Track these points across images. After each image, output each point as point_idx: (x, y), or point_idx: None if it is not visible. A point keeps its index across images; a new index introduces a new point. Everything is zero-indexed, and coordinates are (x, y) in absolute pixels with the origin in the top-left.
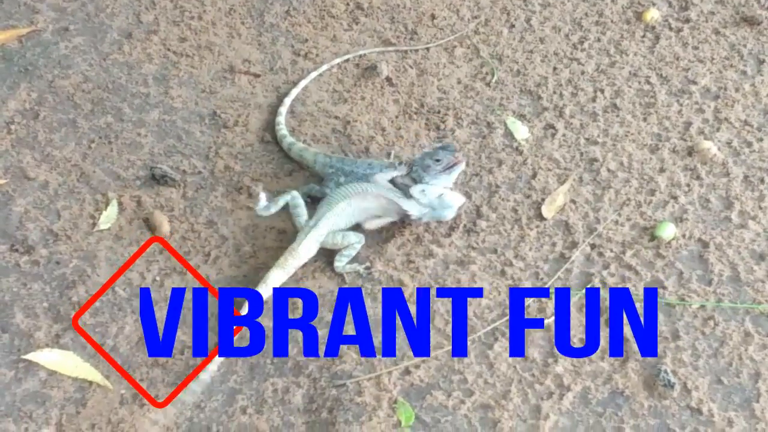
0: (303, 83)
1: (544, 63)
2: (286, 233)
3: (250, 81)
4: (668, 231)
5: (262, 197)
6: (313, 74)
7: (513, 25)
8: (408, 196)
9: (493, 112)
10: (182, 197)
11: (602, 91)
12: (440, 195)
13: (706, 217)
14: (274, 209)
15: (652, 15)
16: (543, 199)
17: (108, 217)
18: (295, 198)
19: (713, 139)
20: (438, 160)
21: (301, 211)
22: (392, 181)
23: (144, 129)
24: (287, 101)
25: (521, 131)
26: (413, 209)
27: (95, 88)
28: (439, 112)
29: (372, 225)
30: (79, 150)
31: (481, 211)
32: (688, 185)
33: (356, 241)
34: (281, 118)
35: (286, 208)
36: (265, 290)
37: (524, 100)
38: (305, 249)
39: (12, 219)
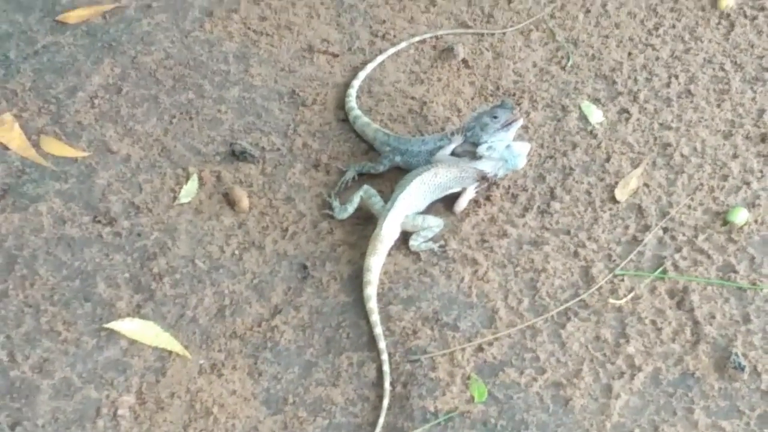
0: (380, 59)
1: (619, 48)
2: (361, 210)
3: (329, 60)
4: (741, 216)
5: (336, 203)
6: (390, 51)
7: (589, 10)
8: (476, 158)
9: (568, 96)
10: (261, 173)
11: (676, 77)
12: (507, 146)
13: None
14: (351, 209)
15: (728, 2)
16: (616, 183)
17: (188, 192)
18: (367, 191)
19: None
20: (495, 117)
21: (377, 200)
22: (453, 153)
23: (224, 106)
24: (361, 75)
25: (596, 115)
26: (487, 167)
27: (177, 64)
28: (514, 94)
29: (460, 206)
30: (161, 125)
31: (555, 192)
32: (761, 171)
33: (436, 224)
34: (352, 91)
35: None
36: (372, 281)
37: (599, 84)
38: (387, 232)
39: (95, 191)
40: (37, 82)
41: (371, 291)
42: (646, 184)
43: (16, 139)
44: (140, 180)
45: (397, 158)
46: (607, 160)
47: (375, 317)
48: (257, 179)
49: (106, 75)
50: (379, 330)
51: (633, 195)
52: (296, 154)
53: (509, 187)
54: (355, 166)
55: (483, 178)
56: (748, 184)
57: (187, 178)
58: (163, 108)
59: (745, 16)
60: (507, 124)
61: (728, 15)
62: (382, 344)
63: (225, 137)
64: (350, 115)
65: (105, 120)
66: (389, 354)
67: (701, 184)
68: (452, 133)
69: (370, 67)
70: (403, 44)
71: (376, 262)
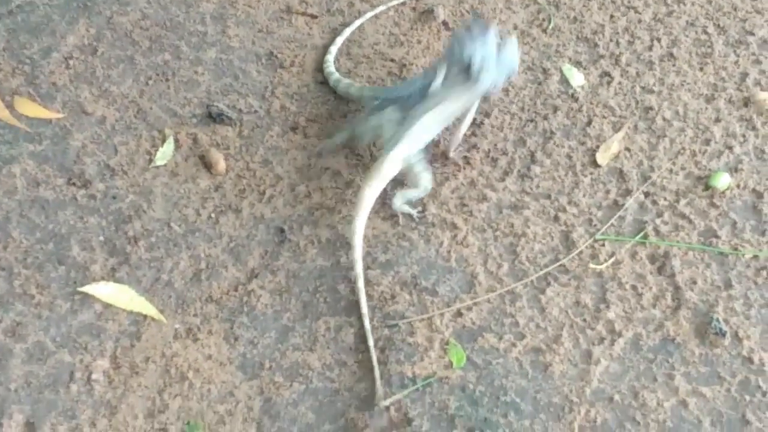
0: (357, 23)
1: (601, 11)
2: (341, 174)
3: (307, 22)
4: (723, 181)
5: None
6: (368, 14)
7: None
8: (472, 77)
9: (549, 59)
10: (238, 136)
11: (659, 40)
12: (498, 52)
13: (761, 167)
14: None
15: None
16: (598, 147)
17: (164, 154)
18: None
19: None
20: (469, 30)
21: (390, 127)
22: (446, 83)
23: (201, 67)
24: (338, 41)
25: (577, 78)
26: (486, 80)
27: (153, 25)
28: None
29: (453, 144)
30: (137, 87)
31: (535, 156)
32: (744, 136)
33: (425, 185)
34: (330, 57)
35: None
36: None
37: (580, 47)
38: (390, 166)
39: (69, 153)
40: (11, 43)
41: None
42: (627, 148)
43: None
44: (115, 142)
45: (390, 108)
46: (589, 123)
47: (360, 282)
48: (234, 142)
49: (81, 35)
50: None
51: (614, 159)
52: (274, 117)
53: (489, 150)
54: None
55: (490, 94)
56: (730, 148)
57: (163, 141)
58: (139, 69)
59: None
60: (484, 33)
61: None
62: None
63: (202, 99)
64: (330, 79)
65: (80, 81)
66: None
67: (683, 149)
68: (435, 65)
69: (347, 31)
70: (381, 8)
71: (372, 195)
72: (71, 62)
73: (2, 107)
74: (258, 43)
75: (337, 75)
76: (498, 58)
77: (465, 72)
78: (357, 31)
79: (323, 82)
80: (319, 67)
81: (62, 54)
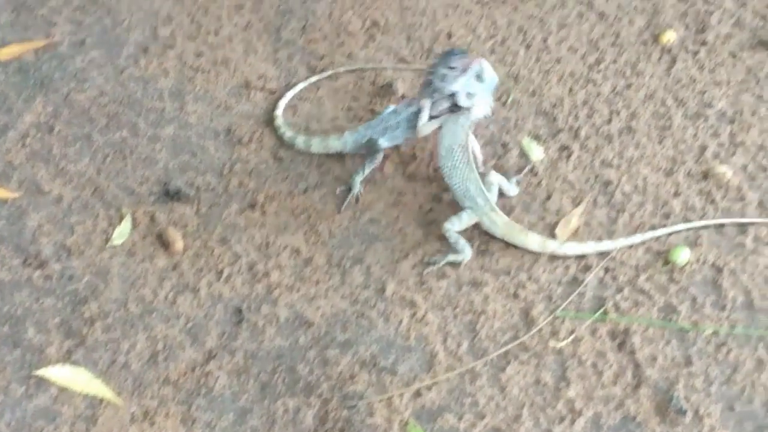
0: (300, 86)
1: (560, 84)
2: (300, 252)
3: (266, 97)
4: (682, 255)
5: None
6: (312, 79)
7: (529, 45)
8: (457, 108)
9: (509, 133)
10: (196, 214)
11: (618, 113)
12: (475, 75)
13: (720, 242)
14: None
15: (669, 37)
16: (557, 222)
17: (121, 233)
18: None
19: (728, 164)
20: (453, 67)
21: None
22: (433, 114)
23: (159, 144)
24: (282, 104)
25: (536, 152)
26: (480, 110)
27: (111, 102)
28: None
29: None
30: (94, 165)
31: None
32: (703, 209)
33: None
34: (279, 122)
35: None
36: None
37: (540, 120)
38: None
39: (26, 233)
40: None
41: None
42: (587, 223)
43: None
44: (72, 221)
45: (381, 140)
46: (548, 198)
47: None
48: (192, 220)
49: (38, 113)
50: None
51: (574, 234)
52: (232, 194)
53: None
54: (357, 177)
55: (479, 119)
56: (689, 222)
57: (121, 219)
58: (96, 147)
59: (687, 51)
60: (465, 69)
61: (670, 50)
62: None
63: (159, 177)
64: (297, 143)
65: (36, 160)
66: (326, 399)
67: (643, 223)
68: (415, 100)
69: (289, 94)
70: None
71: None
72: (28, 140)
73: None
74: (216, 119)
75: (302, 135)
76: (478, 80)
77: (450, 107)
78: (315, 106)
79: (281, 158)
80: (278, 143)
81: (19, 132)
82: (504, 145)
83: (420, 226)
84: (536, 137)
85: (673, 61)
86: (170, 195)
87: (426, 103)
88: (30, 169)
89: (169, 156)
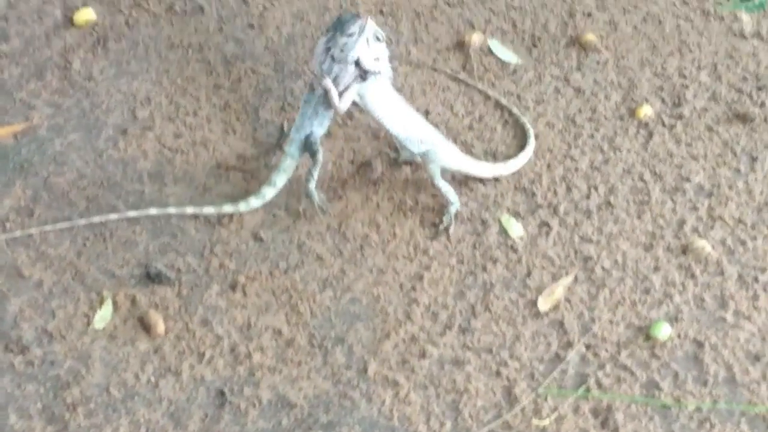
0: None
1: (538, 159)
2: (281, 333)
3: (244, 177)
4: (663, 331)
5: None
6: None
7: (506, 122)
8: (365, 74)
9: (488, 210)
10: (177, 296)
11: (596, 188)
12: (373, 36)
13: (701, 316)
14: None
15: (645, 111)
16: (537, 298)
17: (103, 317)
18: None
19: (707, 238)
20: (351, 34)
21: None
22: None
23: (139, 226)
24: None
25: (515, 229)
26: (373, 67)
27: (90, 185)
28: (433, 209)
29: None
30: (74, 248)
31: (475, 310)
32: (683, 284)
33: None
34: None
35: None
36: None
37: (518, 197)
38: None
39: (6, 319)
40: None
41: None
42: (567, 299)
43: None
44: (53, 306)
45: (314, 132)
46: (528, 275)
47: None
48: (173, 302)
49: (17, 197)
50: None
51: (555, 310)
52: (212, 275)
53: (429, 304)
54: (310, 185)
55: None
56: (670, 297)
57: (101, 303)
58: (76, 230)
59: (663, 125)
60: (362, 31)
61: (646, 124)
62: None
63: (140, 259)
64: (266, 193)
65: (16, 244)
66: None
67: (623, 298)
68: (314, 83)
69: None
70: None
71: None
72: (7, 225)
73: None
74: (195, 200)
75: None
76: (380, 44)
77: (360, 74)
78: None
79: (262, 239)
80: (260, 224)
81: None
82: (483, 222)
83: (401, 305)
84: (515, 214)
85: (650, 135)
86: (151, 277)
87: (328, 83)
88: (10, 254)
89: (149, 238)
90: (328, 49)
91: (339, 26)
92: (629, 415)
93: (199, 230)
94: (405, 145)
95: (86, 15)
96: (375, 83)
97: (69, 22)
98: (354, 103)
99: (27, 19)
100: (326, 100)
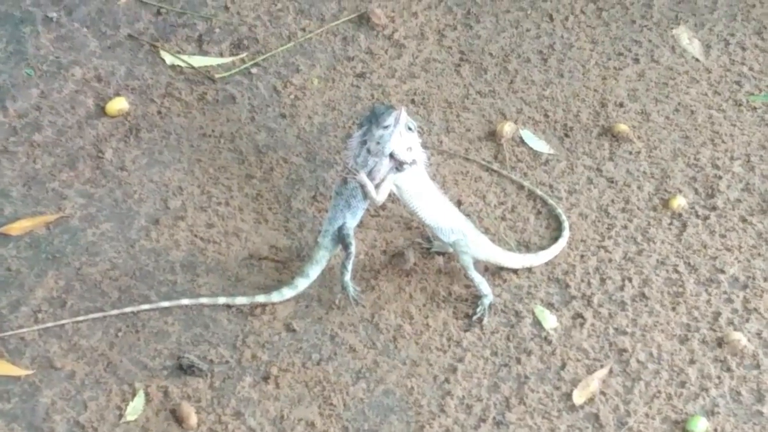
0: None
1: (571, 251)
2: (315, 426)
3: (277, 268)
4: (700, 425)
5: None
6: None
7: (540, 212)
8: (401, 165)
9: (521, 301)
10: (209, 387)
11: (630, 279)
12: (405, 127)
13: (737, 410)
14: None
15: (679, 202)
16: (572, 390)
17: (135, 409)
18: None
19: (743, 330)
20: (386, 126)
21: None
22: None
23: (171, 317)
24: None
25: (549, 320)
26: (408, 158)
27: (122, 275)
28: (467, 300)
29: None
30: (106, 339)
31: (510, 402)
32: (719, 377)
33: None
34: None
35: None
36: None
37: (552, 288)
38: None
39: (38, 411)
40: None
41: None
42: (602, 392)
43: None
44: (85, 397)
45: (348, 223)
46: (563, 367)
47: None
48: (206, 394)
49: (50, 288)
50: None
51: (590, 403)
52: (245, 367)
53: (463, 397)
54: (345, 278)
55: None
56: (706, 390)
57: (134, 395)
58: (108, 321)
59: (697, 216)
60: (397, 122)
61: (680, 215)
62: None
63: (172, 350)
64: (298, 284)
65: (48, 335)
66: None
67: (659, 392)
68: (348, 177)
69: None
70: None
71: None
72: (40, 316)
73: None
74: (228, 290)
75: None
76: (412, 134)
77: (398, 164)
78: (326, 275)
79: (294, 329)
80: (292, 315)
81: (31, 308)
82: (517, 313)
83: (435, 398)
84: (549, 305)
85: (684, 226)
86: (183, 369)
87: (363, 178)
88: (42, 345)
89: (181, 329)
90: (364, 143)
91: (374, 119)
92: None
93: (231, 321)
94: (436, 234)
95: (118, 104)
96: (411, 173)
97: (101, 111)
98: (388, 194)
99: (60, 109)
100: (361, 192)
